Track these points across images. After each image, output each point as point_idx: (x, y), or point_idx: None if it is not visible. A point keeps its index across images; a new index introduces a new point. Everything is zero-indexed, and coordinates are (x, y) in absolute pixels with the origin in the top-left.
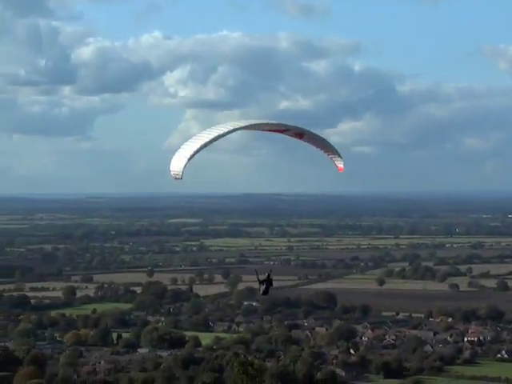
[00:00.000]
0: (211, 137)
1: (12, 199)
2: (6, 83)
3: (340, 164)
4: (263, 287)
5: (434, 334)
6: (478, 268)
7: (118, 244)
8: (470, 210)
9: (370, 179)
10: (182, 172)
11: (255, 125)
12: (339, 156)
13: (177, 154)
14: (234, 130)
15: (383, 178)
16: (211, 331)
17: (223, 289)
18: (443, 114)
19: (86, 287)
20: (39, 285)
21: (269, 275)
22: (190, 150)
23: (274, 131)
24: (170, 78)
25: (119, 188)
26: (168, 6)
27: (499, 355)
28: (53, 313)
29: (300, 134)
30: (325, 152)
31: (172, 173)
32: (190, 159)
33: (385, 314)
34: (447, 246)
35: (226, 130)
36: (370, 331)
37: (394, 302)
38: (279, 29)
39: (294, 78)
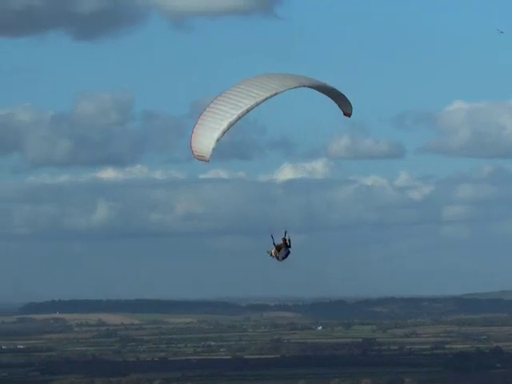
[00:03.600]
0: (242, 110)
1: None
2: None
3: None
4: (284, 253)
5: None
6: None
7: None
8: None
9: None
10: (211, 154)
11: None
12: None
13: (201, 128)
14: (272, 95)
15: None
16: None
17: None
18: None
19: None
20: None
21: (284, 240)
22: (218, 129)
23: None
24: None
25: None
26: None
27: None
28: None
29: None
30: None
31: (196, 154)
32: (218, 140)
33: None
34: None
35: (263, 97)
36: None
37: None
38: None
39: None
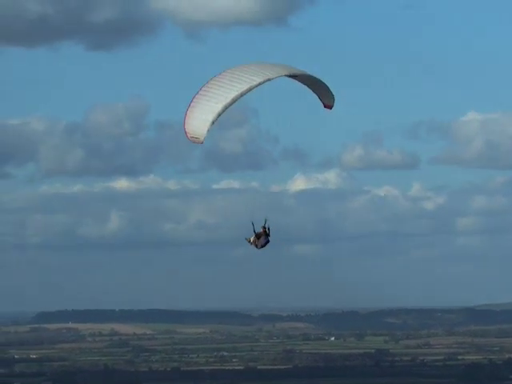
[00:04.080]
0: (236, 93)
1: None
2: None
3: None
4: (263, 242)
5: None
6: None
7: None
8: None
9: None
10: (205, 137)
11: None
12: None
13: (195, 111)
14: (264, 81)
15: None
16: None
17: None
18: None
19: None
20: None
21: (264, 228)
22: (213, 112)
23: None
24: None
25: None
26: None
27: None
28: None
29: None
30: (315, 91)
31: (190, 136)
32: (213, 123)
33: None
34: None
35: (257, 82)
36: None
37: None
38: None
39: None
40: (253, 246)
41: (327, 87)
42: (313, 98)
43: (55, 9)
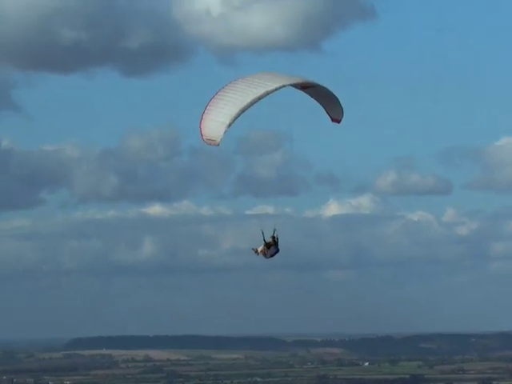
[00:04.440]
0: (253, 97)
1: None
2: None
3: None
4: (273, 251)
5: None
6: None
7: None
8: None
9: None
10: (221, 139)
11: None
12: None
13: (212, 113)
14: (276, 88)
15: None
16: None
17: None
18: None
19: None
20: None
21: (274, 237)
22: (229, 115)
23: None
24: None
25: None
26: None
27: None
28: None
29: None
30: (325, 104)
31: (206, 138)
32: (230, 126)
33: None
34: None
35: (273, 88)
36: None
37: None
38: None
39: None
40: (260, 256)
41: (337, 100)
42: (346, 124)
43: (90, 35)
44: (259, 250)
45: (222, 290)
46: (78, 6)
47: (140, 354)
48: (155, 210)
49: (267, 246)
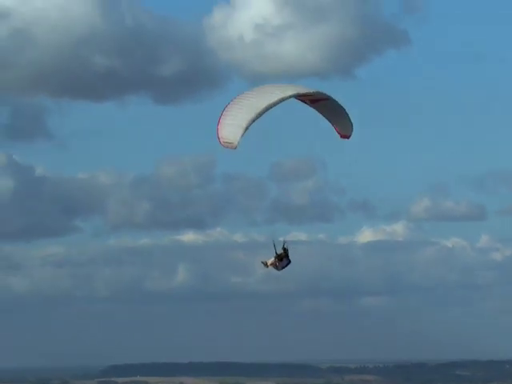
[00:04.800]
0: (269, 102)
1: None
2: None
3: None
4: (285, 263)
5: None
6: None
7: None
8: None
9: None
10: (239, 142)
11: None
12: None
13: (228, 118)
14: (285, 98)
15: None
16: None
17: None
18: None
19: None
20: None
21: (285, 249)
22: (246, 118)
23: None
24: None
25: None
26: None
27: None
28: None
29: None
30: (334, 120)
31: (223, 141)
32: (247, 129)
33: None
34: None
35: (287, 95)
36: None
37: None
38: None
39: None
40: (270, 269)
41: (347, 114)
42: (379, 150)
43: (122, 62)
44: (269, 262)
45: (256, 316)
46: (111, 32)
47: (175, 381)
48: (189, 237)
49: (279, 257)
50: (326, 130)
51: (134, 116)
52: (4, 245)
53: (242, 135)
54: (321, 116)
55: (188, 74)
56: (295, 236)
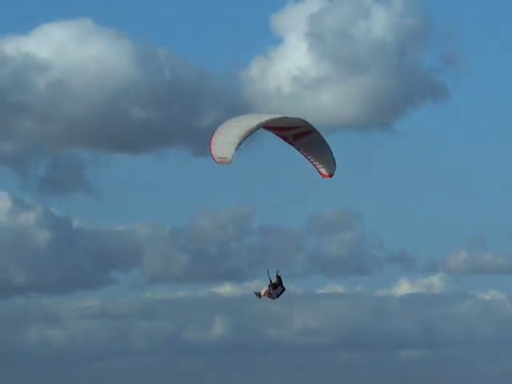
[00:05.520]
0: (259, 121)
1: None
2: None
3: (324, 171)
4: (280, 290)
5: None
6: None
7: None
8: None
9: None
10: (233, 156)
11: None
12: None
13: (220, 136)
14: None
15: None
16: None
17: None
18: None
19: None
20: None
21: (279, 276)
22: (238, 135)
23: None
24: None
25: None
26: None
27: None
28: None
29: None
30: (315, 160)
31: (217, 157)
32: (239, 144)
33: None
34: None
35: (271, 117)
36: None
37: None
38: None
39: None
40: (263, 299)
41: (330, 150)
42: (417, 202)
43: (159, 114)
44: (262, 292)
45: (294, 369)
46: (148, 85)
47: None
48: (226, 289)
49: (274, 286)
50: (362, 182)
51: (172, 168)
52: (41, 297)
53: (236, 149)
54: (303, 157)
55: None
56: (332, 288)
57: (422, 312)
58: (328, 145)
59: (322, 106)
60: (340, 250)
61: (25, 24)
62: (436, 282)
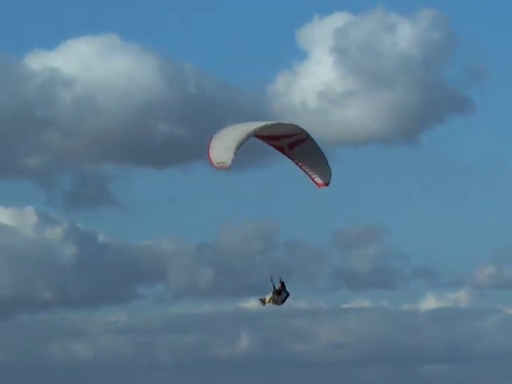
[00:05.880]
0: (255, 127)
1: None
2: None
3: (320, 180)
4: (284, 296)
5: None
6: None
7: None
8: None
9: None
10: (232, 161)
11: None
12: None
13: (218, 141)
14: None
15: None
16: None
17: None
18: None
19: None
20: None
21: (282, 282)
22: (236, 140)
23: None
24: None
25: None
26: None
27: None
28: None
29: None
30: (310, 170)
31: (216, 162)
32: (237, 149)
33: None
34: None
35: (266, 124)
36: None
37: None
38: None
39: None
40: (268, 305)
41: (325, 158)
42: (443, 216)
43: (186, 129)
44: (267, 299)
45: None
46: (173, 100)
47: None
48: (251, 304)
49: (277, 292)
50: (388, 196)
51: (197, 183)
52: (67, 312)
53: (235, 154)
54: (298, 168)
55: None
56: (358, 303)
57: (448, 327)
58: (323, 152)
59: (348, 121)
60: (366, 264)
61: (51, 39)
62: (462, 296)
